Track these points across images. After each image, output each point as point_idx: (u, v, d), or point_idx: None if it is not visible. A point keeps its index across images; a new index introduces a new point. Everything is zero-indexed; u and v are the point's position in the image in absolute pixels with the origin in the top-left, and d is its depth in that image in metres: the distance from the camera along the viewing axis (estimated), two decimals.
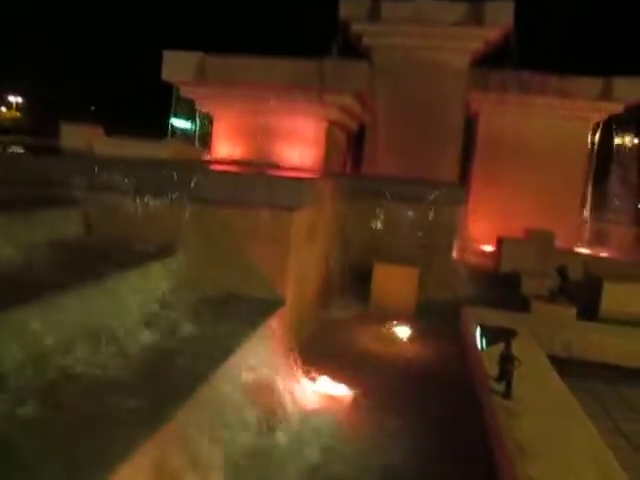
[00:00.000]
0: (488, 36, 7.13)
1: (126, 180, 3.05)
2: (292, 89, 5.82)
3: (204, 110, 6.48)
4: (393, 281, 4.21)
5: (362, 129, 7.75)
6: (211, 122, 6.77)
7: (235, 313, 2.68)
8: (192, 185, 2.94)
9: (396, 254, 4.45)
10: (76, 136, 6.03)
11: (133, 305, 2.38)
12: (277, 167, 5.12)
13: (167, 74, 6.09)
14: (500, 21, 6.97)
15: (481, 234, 6.57)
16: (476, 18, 7.01)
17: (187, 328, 2.29)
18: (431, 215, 4.66)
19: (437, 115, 7.33)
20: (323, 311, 3.92)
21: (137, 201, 3.04)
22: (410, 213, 4.68)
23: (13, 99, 34.83)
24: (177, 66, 6.04)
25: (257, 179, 2.87)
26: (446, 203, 4.69)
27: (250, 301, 2.84)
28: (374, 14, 7.23)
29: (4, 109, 34.53)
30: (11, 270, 2.16)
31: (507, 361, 2.23)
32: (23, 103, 34.56)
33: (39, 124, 28.60)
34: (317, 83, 5.77)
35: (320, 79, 5.75)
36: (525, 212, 7.62)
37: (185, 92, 6.22)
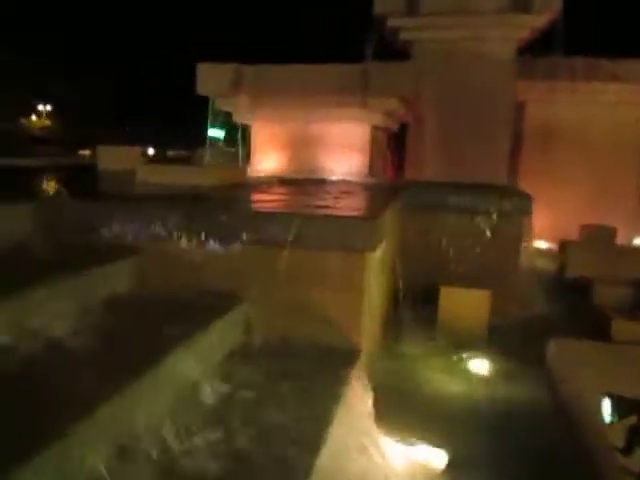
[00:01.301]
0: (536, 23, 6.67)
1: (180, 222, 2.83)
2: (334, 95, 5.52)
3: (241, 121, 6.22)
4: (462, 305, 3.91)
5: (402, 128, 7.41)
6: (240, 129, 6.54)
7: (313, 370, 2.43)
8: (253, 226, 2.69)
9: (461, 273, 4.15)
10: (114, 159, 5.87)
11: (196, 375, 2.15)
12: (322, 181, 4.83)
13: (202, 87, 5.86)
14: (549, 7, 6.50)
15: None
16: (523, 5, 6.56)
17: (269, 412, 2.00)
18: (499, 228, 4.33)
19: (484, 109, 6.91)
20: (389, 344, 3.65)
21: (194, 246, 2.82)
22: (475, 227, 4.35)
23: (42, 107, 35.38)
24: (212, 78, 5.81)
25: (328, 219, 2.59)
26: (514, 214, 4.35)
27: (326, 353, 2.59)
28: (412, 8, 6.84)
29: (34, 117, 35.12)
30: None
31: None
32: (52, 111, 35.06)
33: (70, 133, 29.04)
34: (361, 88, 5.44)
35: (364, 84, 5.43)
36: (579, 205, 7.23)
37: (221, 104, 5.98)
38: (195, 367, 2.14)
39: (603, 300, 4.66)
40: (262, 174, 5.87)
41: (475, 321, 3.86)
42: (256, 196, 3.74)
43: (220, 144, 6.90)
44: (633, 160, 7.46)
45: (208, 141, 6.59)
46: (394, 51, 7.70)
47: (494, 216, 4.32)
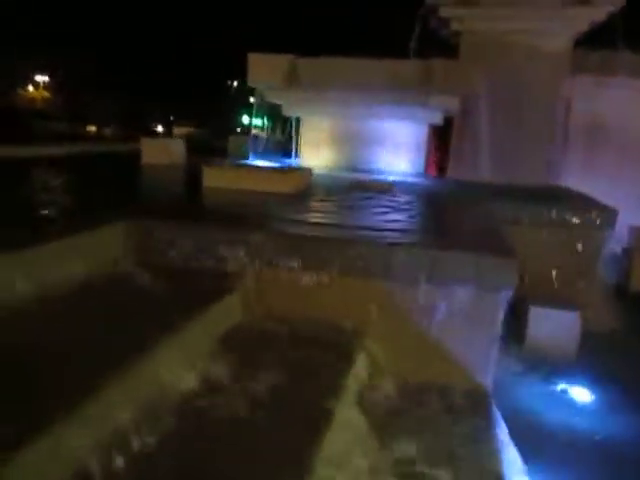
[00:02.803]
0: (595, 17, 6.42)
1: (290, 249, 2.63)
2: (393, 92, 5.26)
3: (291, 114, 5.96)
4: (551, 326, 3.76)
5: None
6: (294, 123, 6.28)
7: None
8: (380, 259, 2.50)
9: (542, 291, 3.99)
10: (157, 152, 5.62)
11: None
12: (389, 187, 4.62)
13: (254, 78, 5.58)
14: (611, 1, 6.24)
15: None
16: None
17: None
18: (580, 244, 4.15)
19: (537, 106, 6.70)
20: None
21: (306, 276, 2.63)
22: (554, 242, 4.17)
23: (40, 78, 34.37)
24: (265, 70, 5.52)
25: (464, 257, 2.40)
26: (596, 228, 4.17)
27: (460, 397, 2.44)
28: None
29: (31, 88, 34.13)
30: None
31: None
32: (50, 82, 34.05)
33: (71, 106, 28.22)
34: (422, 85, 5.19)
35: (426, 81, 5.18)
36: (627, 206, 7.05)
37: (271, 96, 5.70)
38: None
39: None
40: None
41: (565, 343, 3.72)
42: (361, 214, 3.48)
43: (260, 133, 6.63)
44: None
45: (252, 131, 6.31)
46: (437, 44, 7.45)
47: (575, 229, 4.13)
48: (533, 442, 2.70)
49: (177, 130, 26.38)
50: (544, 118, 6.68)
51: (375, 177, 5.17)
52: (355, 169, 5.77)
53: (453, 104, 5.24)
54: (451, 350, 2.52)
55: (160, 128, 25.85)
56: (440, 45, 7.45)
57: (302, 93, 5.49)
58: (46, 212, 2.95)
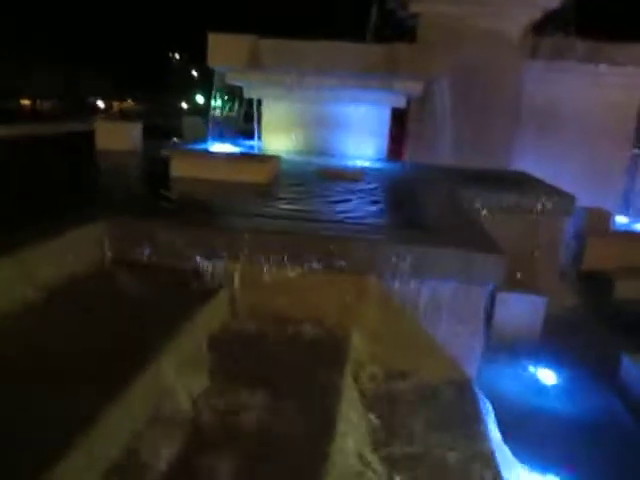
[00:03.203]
0: (549, 5, 6.57)
1: (273, 246, 2.59)
2: (359, 76, 5.24)
3: (252, 97, 5.82)
4: (514, 309, 3.92)
5: None
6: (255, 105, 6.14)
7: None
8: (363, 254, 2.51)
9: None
10: (114, 137, 5.37)
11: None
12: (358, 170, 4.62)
13: (215, 59, 5.37)
14: None
15: None
16: None
17: None
18: (541, 230, 4.31)
19: (491, 89, 6.84)
20: None
21: (289, 273, 2.60)
22: (517, 228, 4.31)
23: None
24: (226, 51, 5.33)
25: (453, 253, 2.44)
26: (557, 214, 4.34)
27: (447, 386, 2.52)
28: None
29: None
30: None
31: None
32: None
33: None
34: (387, 69, 5.18)
35: (391, 65, 5.16)
36: (574, 188, 7.37)
37: (232, 78, 5.54)
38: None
39: (623, 297, 4.80)
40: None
41: (530, 326, 3.89)
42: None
43: (218, 115, 6.44)
44: (623, 143, 7.66)
45: (212, 113, 6.13)
46: (394, 25, 7.45)
47: (534, 216, 4.28)
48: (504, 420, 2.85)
49: (118, 105, 25.29)
50: (503, 101, 6.84)
51: (342, 163, 5.16)
52: (319, 153, 5.73)
53: (417, 88, 5.27)
54: (437, 342, 2.59)
55: (101, 103, 24.50)
56: (397, 26, 7.44)
57: (264, 75, 5.35)
58: (17, 210, 2.78)
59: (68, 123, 8.15)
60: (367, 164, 5.37)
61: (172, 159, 3.90)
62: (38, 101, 22.00)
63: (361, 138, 5.74)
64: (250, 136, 7.04)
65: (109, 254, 2.60)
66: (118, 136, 5.42)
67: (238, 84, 5.65)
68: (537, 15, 6.66)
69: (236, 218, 2.85)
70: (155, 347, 1.85)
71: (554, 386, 3.44)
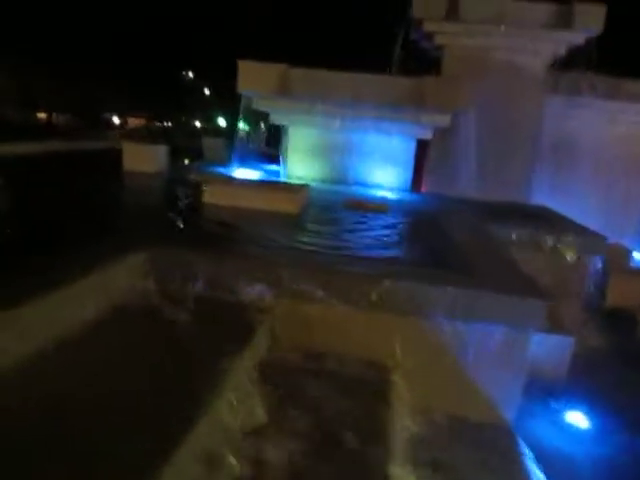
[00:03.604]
0: (574, 41, 6.65)
1: (317, 282, 2.59)
2: (386, 108, 5.29)
3: (279, 123, 5.87)
4: (542, 348, 3.88)
5: None
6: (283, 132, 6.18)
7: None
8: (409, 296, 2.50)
9: None
10: (140, 158, 5.41)
11: None
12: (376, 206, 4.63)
13: (244, 85, 5.47)
14: (590, 26, 6.48)
15: None
16: (564, 21, 6.51)
17: None
18: (568, 269, 4.29)
19: (513, 122, 6.89)
20: None
21: (333, 309, 2.60)
22: (546, 266, 4.29)
23: None
24: (256, 78, 5.41)
25: (498, 298, 2.43)
26: (585, 254, 4.32)
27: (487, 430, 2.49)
28: (452, 13, 6.64)
29: None
30: None
31: None
32: None
33: (11, 88, 26.49)
34: (414, 102, 5.24)
35: (418, 98, 5.22)
36: (593, 224, 7.36)
37: (260, 105, 5.60)
38: None
39: None
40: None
41: (557, 365, 3.85)
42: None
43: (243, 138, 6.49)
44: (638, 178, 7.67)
45: (238, 135, 6.19)
46: (417, 56, 7.55)
47: (567, 254, 4.27)
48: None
49: (132, 121, 25.53)
50: (525, 134, 6.88)
51: (366, 194, 5.18)
52: (343, 182, 5.76)
53: (444, 120, 5.31)
54: (478, 386, 2.56)
55: (116, 119, 24.76)
56: (422, 58, 7.54)
57: (294, 103, 5.41)
58: (55, 235, 2.80)
59: (91, 141, 8.22)
60: (390, 195, 5.39)
61: (205, 186, 3.93)
62: (54, 115, 22.28)
63: (385, 168, 5.77)
64: (271, 160, 7.10)
65: (152, 285, 2.61)
66: (145, 158, 5.47)
67: (265, 110, 5.70)
68: (562, 51, 6.73)
69: (278, 251, 2.85)
70: (211, 385, 1.84)
71: (584, 429, 3.39)
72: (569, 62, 7.18)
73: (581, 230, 4.51)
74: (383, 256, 2.97)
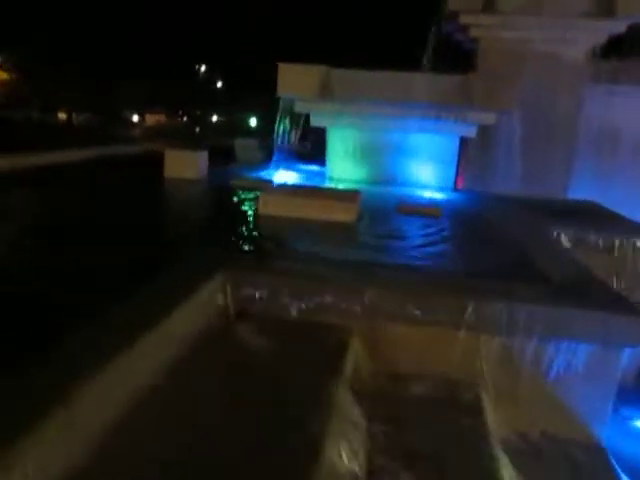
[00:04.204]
0: (616, 29, 6.47)
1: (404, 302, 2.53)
2: (433, 107, 5.20)
3: (319, 125, 5.80)
4: None
5: None
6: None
7: None
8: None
9: None
10: (181, 165, 5.39)
11: None
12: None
13: (285, 88, 5.41)
14: (633, 13, 6.28)
15: None
16: (605, 9, 6.33)
17: None
18: (628, 269, 4.19)
19: (553, 115, 6.74)
20: None
21: (422, 331, 2.55)
22: (604, 266, 4.19)
23: None
24: (297, 80, 5.35)
25: (592, 316, 2.36)
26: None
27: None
28: (488, 5, 6.49)
29: None
30: None
31: None
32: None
33: (37, 90, 26.64)
34: (460, 101, 5.14)
35: (465, 97, 5.12)
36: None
37: (301, 107, 5.53)
38: None
39: None
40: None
41: (625, 370, 3.77)
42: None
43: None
44: None
45: (277, 139, 6.13)
46: (451, 49, 7.42)
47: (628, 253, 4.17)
48: None
49: (150, 117, 25.56)
50: (566, 128, 6.73)
51: (414, 195, 5.11)
52: (386, 182, 5.69)
53: (490, 119, 5.21)
54: (568, 404, 2.51)
55: (136, 117, 24.78)
56: (454, 50, 7.40)
57: (338, 105, 5.34)
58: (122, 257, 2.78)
59: (126, 145, 8.23)
60: (437, 195, 5.32)
61: (260, 196, 3.89)
62: (74, 114, 22.38)
63: (429, 167, 5.69)
64: (308, 160, 7.05)
65: (231, 307, 2.58)
66: (186, 164, 5.45)
67: (306, 112, 5.63)
68: (602, 40, 6.55)
69: (352, 269, 2.80)
70: (318, 416, 1.80)
71: None
72: (610, 49, 7.00)
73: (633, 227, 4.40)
74: (457, 271, 2.90)
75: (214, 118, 27.49)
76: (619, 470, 2.44)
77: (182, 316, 2.16)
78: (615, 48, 7.12)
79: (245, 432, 1.68)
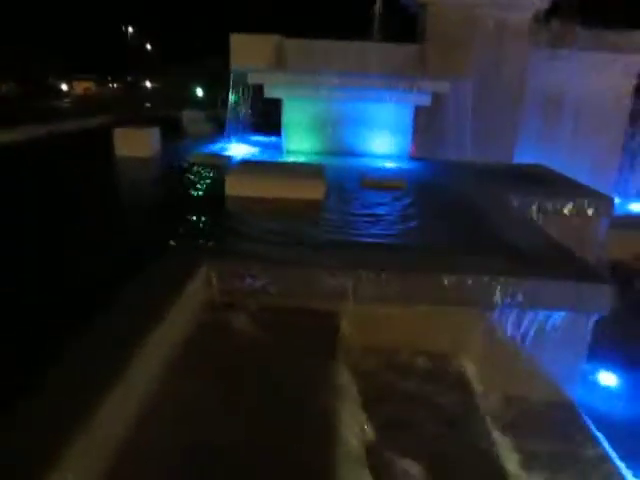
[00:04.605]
0: None
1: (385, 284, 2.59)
2: (386, 77, 5.20)
3: (273, 96, 5.67)
4: None
5: None
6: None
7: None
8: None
9: None
10: (132, 143, 5.17)
11: None
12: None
13: (238, 60, 5.25)
14: None
15: None
16: None
17: None
18: (580, 232, 4.43)
19: (498, 79, 6.88)
20: None
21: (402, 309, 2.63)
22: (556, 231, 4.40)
23: None
24: (250, 51, 5.19)
25: (564, 285, 2.50)
26: (595, 217, 4.45)
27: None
28: None
29: None
30: None
31: None
32: None
33: None
34: (415, 71, 5.17)
35: (419, 66, 5.15)
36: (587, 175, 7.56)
37: (254, 79, 5.39)
38: None
39: None
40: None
41: None
42: None
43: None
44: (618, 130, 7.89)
45: (230, 106, 5.99)
46: (399, 15, 7.39)
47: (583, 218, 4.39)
48: None
49: (78, 84, 24.04)
50: (510, 92, 6.90)
51: (378, 168, 5.15)
52: (343, 153, 5.69)
53: (445, 87, 5.26)
54: (542, 367, 2.68)
55: (64, 86, 23.15)
56: (402, 16, 7.38)
57: (293, 76, 5.24)
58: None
59: (65, 121, 7.76)
60: (396, 165, 5.38)
61: (227, 178, 3.81)
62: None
63: (385, 137, 5.72)
64: (259, 131, 6.93)
65: (217, 297, 2.55)
66: (138, 142, 5.23)
67: (260, 83, 5.49)
68: (545, 5, 6.70)
69: (334, 251, 2.81)
70: (331, 410, 1.84)
71: (617, 388, 3.59)
72: (552, 14, 7.17)
73: (592, 192, 4.63)
74: (431, 245, 2.98)
75: (148, 84, 26.26)
76: (591, 424, 2.64)
77: (174, 316, 2.11)
78: (555, 13, 7.30)
79: (258, 421, 1.71)
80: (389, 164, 5.39)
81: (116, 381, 1.58)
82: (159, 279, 2.35)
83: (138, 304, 2.10)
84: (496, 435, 2.26)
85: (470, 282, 2.55)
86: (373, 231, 3.17)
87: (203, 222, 3.27)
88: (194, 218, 3.33)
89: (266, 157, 5.53)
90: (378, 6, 7.30)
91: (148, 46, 36.47)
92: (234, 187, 3.77)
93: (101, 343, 1.78)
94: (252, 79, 5.38)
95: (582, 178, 6.07)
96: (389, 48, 5.30)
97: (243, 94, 6.08)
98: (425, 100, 5.52)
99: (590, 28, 7.15)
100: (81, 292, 2.21)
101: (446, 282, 2.53)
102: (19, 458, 1.26)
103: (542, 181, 4.91)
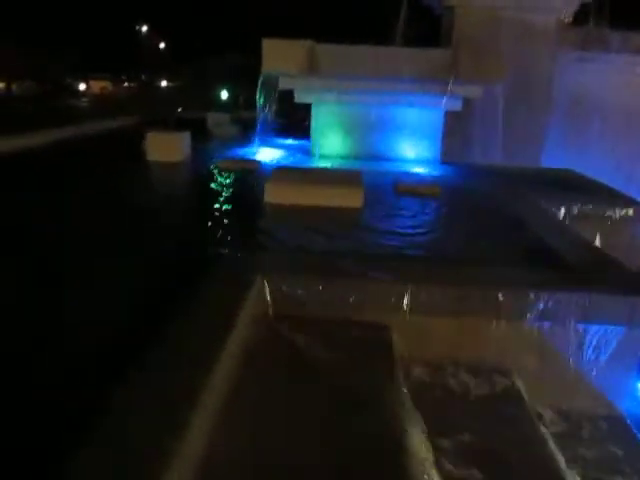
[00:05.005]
0: None
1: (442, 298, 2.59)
2: (418, 81, 5.19)
3: (304, 101, 5.69)
4: None
5: None
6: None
7: None
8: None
9: None
10: (164, 148, 5.20)
11: None
12: None
13: (269, 64, 5.25)
14: None
15: None
16: None
17: None
18: (614, 237, 4.39)
19: (527, 82, 6.84)
20: None
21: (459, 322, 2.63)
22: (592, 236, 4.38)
23: None
24: (282, 56, 5.19)
25: (620, 300, 2.49)
26: (630, 222, 4.42)
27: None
28: None
29: None
30: None
31: None
32: None
33: None
34: (447, 75, 5.15)
35: (450, 70, 5.13)
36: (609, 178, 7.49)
37: (285, 83, 5.40)
38: None
39: None
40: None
41: None
42: None
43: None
44: None
45: (260, 113, 5.99)
46: (425, 19, 7.38)
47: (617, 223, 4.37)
48: None
49: (94, 84, 24.23)
50: (540, 96, 6.86)
51: (411, 173, 5.14)
52: (373, 157, 5.69)
53: (477, 92, 5.24)
54: (595, 381, 2.67)
55: (82, 86, 23.31)
56: (429, 20, 7.36)
57: (324, 81, 5.25)
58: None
59: (92, 123, 7.81)
60: (428, 170, 5.37)
61: (266, 185, 3.82)
62: (14, 84, 20.90)
63: (415, 141, 5.71)
64: (283, 134, 6.94)
65: (271, 311, 2.57)
66: (169, 147, 5.26)
67: (291, 87, 5.50)
68: (575, 6, 6.65)
69: (383, 263, 2.81)
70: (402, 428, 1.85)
71: None
72: (581, 16, 7.11)
73: (626, 198, 4.60)
74: (480, 257, 2.98)
75: (163, 83, 26.38)
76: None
77: (238, 331, 2.13)
78: (585, 15, 7.24)
79: (333, 438, 1.72)
80: (420, 169, 5.38)
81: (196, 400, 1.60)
82: (216, 294, 2.37)
83: (203, 319, 2.11)
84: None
85: (522, 296, 2.55)
86: (418, 240, 3.17)
87: (248, 231, 3.28)
88: (238, 227, 3.35)
89: (297, 162, 5.54)
90: (404, 9, 7.29)
91: (162, 45, 36.63)
92: (273, 194, 3.78)
93: (177, 361, 1.80)
94: (283, 84, 5.40)
95: (609, 181, 6.05)
96: (420, 53, 5.28)
97: (270, 97, 6.09)
98: (456, 105, 5.51)
99: (618, 30, 7.10)
100: (144, 307, 2.24)
101: (501, 297, 2.53)
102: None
103: (578, 187, 4.89)
